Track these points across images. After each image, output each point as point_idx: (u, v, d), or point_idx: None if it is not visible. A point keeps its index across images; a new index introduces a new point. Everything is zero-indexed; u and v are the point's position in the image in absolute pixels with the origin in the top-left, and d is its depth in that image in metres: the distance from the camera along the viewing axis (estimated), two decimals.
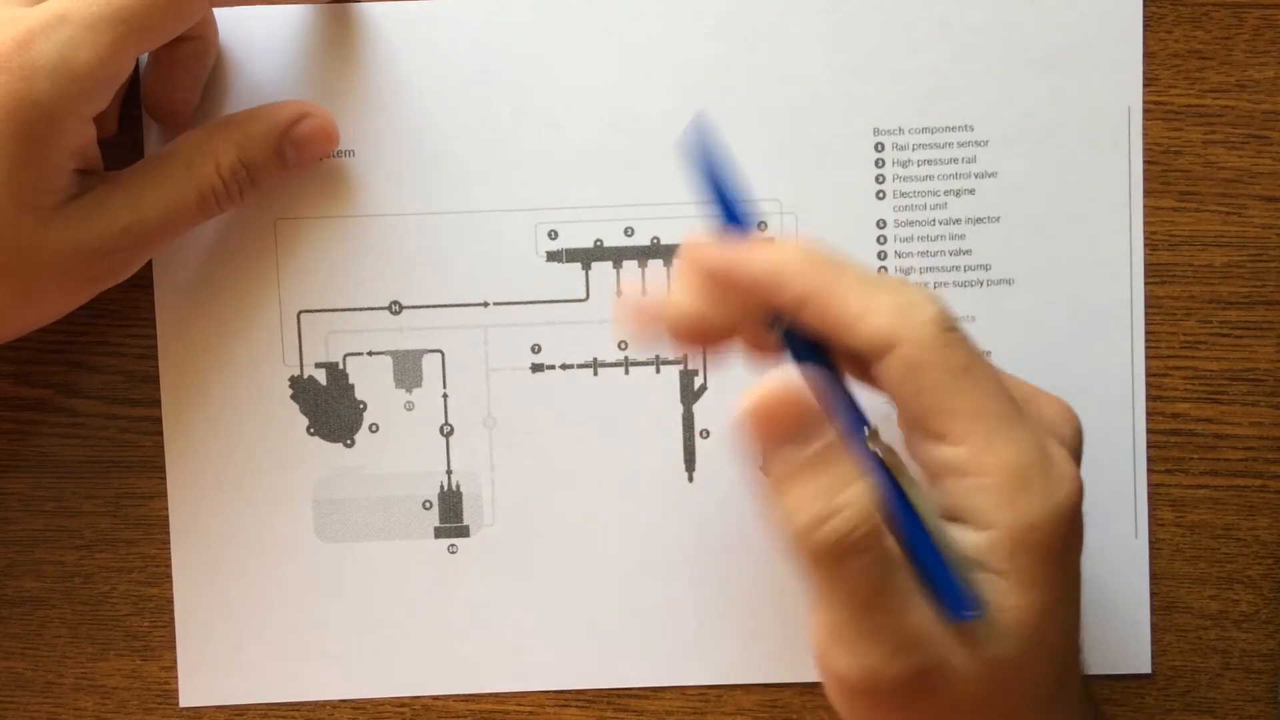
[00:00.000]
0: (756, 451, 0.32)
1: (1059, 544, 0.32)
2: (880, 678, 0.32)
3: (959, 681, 0.32)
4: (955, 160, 0.43)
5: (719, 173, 0.35)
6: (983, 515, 0.32)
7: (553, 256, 0.44)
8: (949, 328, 0.32)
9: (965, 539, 0.32)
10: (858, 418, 0.34)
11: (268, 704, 0.45)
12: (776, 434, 0.32)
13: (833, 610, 0.32)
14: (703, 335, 0.35)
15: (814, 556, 0.31)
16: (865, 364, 0.33)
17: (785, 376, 0.33)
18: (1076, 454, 0.35)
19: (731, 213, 0.35)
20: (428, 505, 0.44)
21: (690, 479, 0.44)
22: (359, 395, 0.44)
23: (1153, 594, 0.44)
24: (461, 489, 0.44)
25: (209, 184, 0.40)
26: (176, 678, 0.45)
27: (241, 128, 0.41)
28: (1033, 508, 0.32)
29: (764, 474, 0.32)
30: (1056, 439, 0.34)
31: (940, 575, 0.32)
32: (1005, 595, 0.32)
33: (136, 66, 0.42)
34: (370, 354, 0.44)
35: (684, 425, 0.44)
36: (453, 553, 0.44)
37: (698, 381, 0.44)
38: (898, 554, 0.32)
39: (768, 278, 0.33)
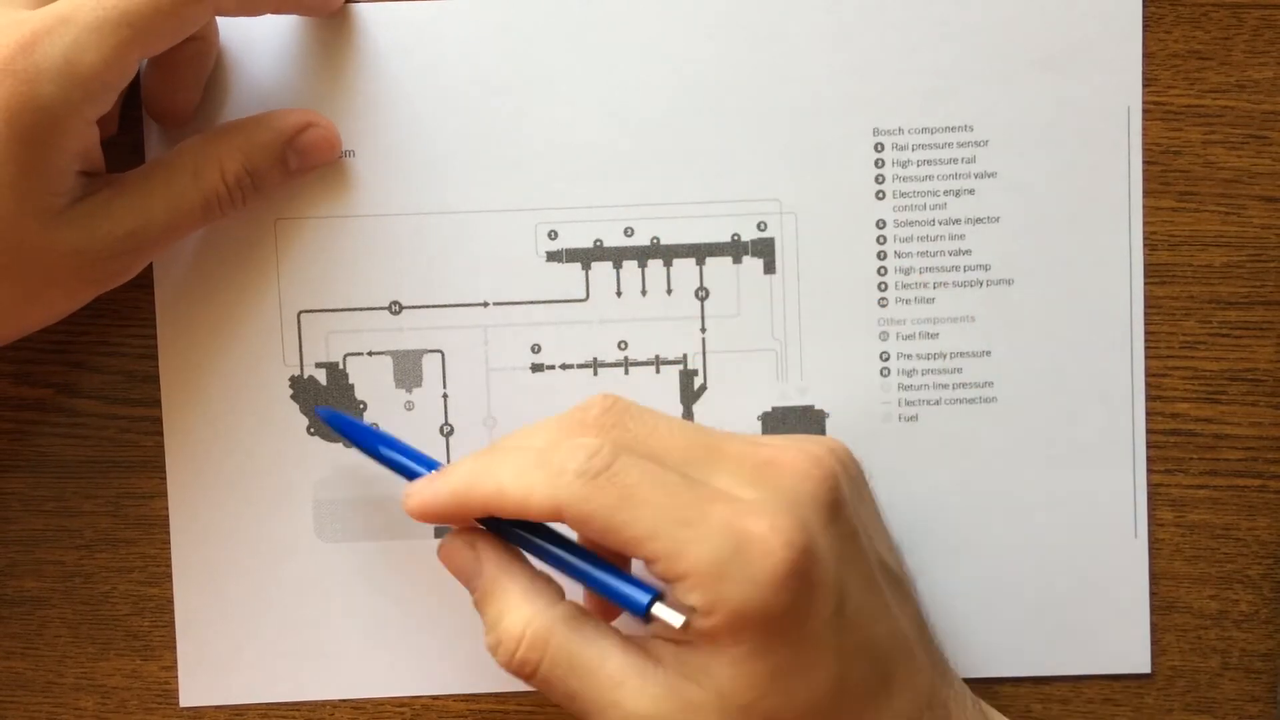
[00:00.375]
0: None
1: (779, 612, 0.33)
2: None
3: None
4: (955, 160, 0.43)
5: (376, 440, 0.41)
6: (704, 607, 0.34)
7: (553, 256, 0.44)
8: (594, 474, 0.34)
9: (703, 625, 0.34)
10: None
11: (268, 704, 0.45)
12: (457, 575, 0.38)
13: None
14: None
15: (509, 672, 0.36)
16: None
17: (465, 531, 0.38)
18: (817, 508, 0.35)
19: (403, 464, 0.40)
20: None
21: None
22: (359, 395, 0.44)
23: (1152, 594, 0.44)
24: None
25: (214, 190, 0.40)
26: (176, 678, 0.45)
27: (247, 135, 0.41)
28: (736, 593, 0.33)
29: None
30: (784, 506, 0.34)
31: (612, 590, 0.36)
32: (736, 664, 0.34)
33: (138, 68, 0.42)
34: (370, 354, 0.44)
35: None
36: None
37: (698, 381, 0.44)
38: (592, 658, 0.35)
39: (455, 504, 0.37)
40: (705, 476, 0.35)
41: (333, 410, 0.42)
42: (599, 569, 0.36)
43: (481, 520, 0.38)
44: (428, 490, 0.37)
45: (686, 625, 0.34)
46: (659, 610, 0.35)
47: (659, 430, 0.36)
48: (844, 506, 0.36)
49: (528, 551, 0.38)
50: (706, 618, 0.34)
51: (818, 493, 0.35)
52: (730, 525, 0.34)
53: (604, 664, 0.35)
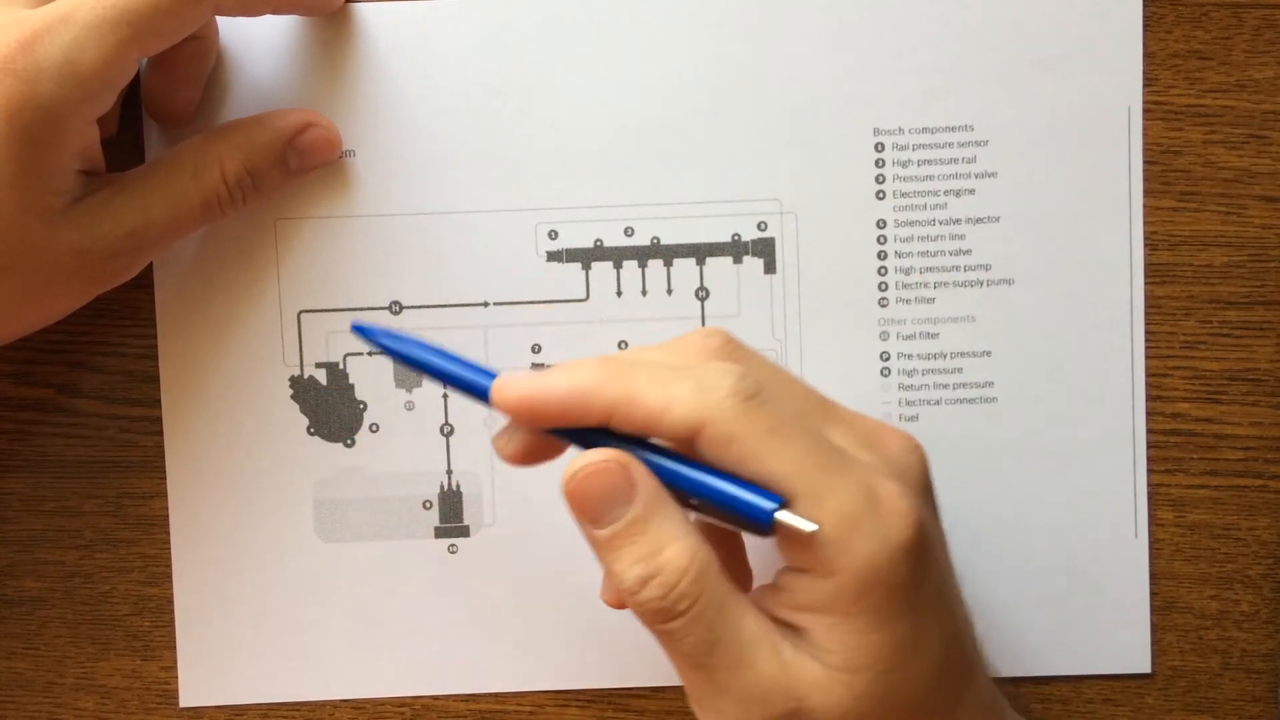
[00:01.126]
0: (583, 523, 0.34)
1: (902, 578, 0.33)
2: None
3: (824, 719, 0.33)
4: (955, 160, 0.43)
5: (432, 356, 0.36)
6: (823, 564, 0.33)
7: (553, 256, 0.44)
8: (748, 395, 0.33)
9: (813, 588, 0.33)
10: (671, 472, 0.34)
11: (268, 704, 0.45)
12: (595, 506, 0.33)
13: (680, 670, 0.34)
14: (536, 458, 0.36)
15: (643, 618, 0.33)
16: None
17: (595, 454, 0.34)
18: (921, 484, 0.35)
19: (467, 381, 0.36)
20: (428, 505, 0.44)
21: None
22: (359, 395, 0.44)
23: (1153, 594, 0.44)
24: (462, 489, 0.44)
25: (214, 190, 0.40)
26: (176, 678, 0.45)
27: (247, 135, 0.41)
28: (867, 549, 0.32)
29: (594, 543, 0.34)
30: (896, 474, 0.34)
31: (734, 498, 0.33)
32: (859, 634, 0.33)
33: (138, 68, 0.42)
34: (371, 354, 0.44)
35: None
36: (453, 553, 0.44)
37: None
38: (736, 608, 0.33)
39: (572, 401, 0.34)
40: (825, 431, 0.34)
41: (364, 325, 0.37)
42: (720, 476, 0.33)
43: (563, 433, 0.35)
44: (535, 382, 0.34)
45: (818, 534, 0.32)
46: (785, 517, 0.32)
47: (780, 375, 0.35)
48: (933, 490, 0.36)
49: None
50: (829, 579, 0.32)
51: (922, 467, 0.35)
52: (866, 483, 0.33)
53: (745, 618, 0.33)
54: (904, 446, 0.36)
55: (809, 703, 0.33)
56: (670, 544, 0.33)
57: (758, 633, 0.33)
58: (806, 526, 0.32)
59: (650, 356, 0.35)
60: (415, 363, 0.36)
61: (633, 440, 0.34)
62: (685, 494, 0.34)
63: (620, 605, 0.35)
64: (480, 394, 0.35)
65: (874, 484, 0.33)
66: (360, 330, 0.37)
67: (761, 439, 0.33)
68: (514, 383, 0.34)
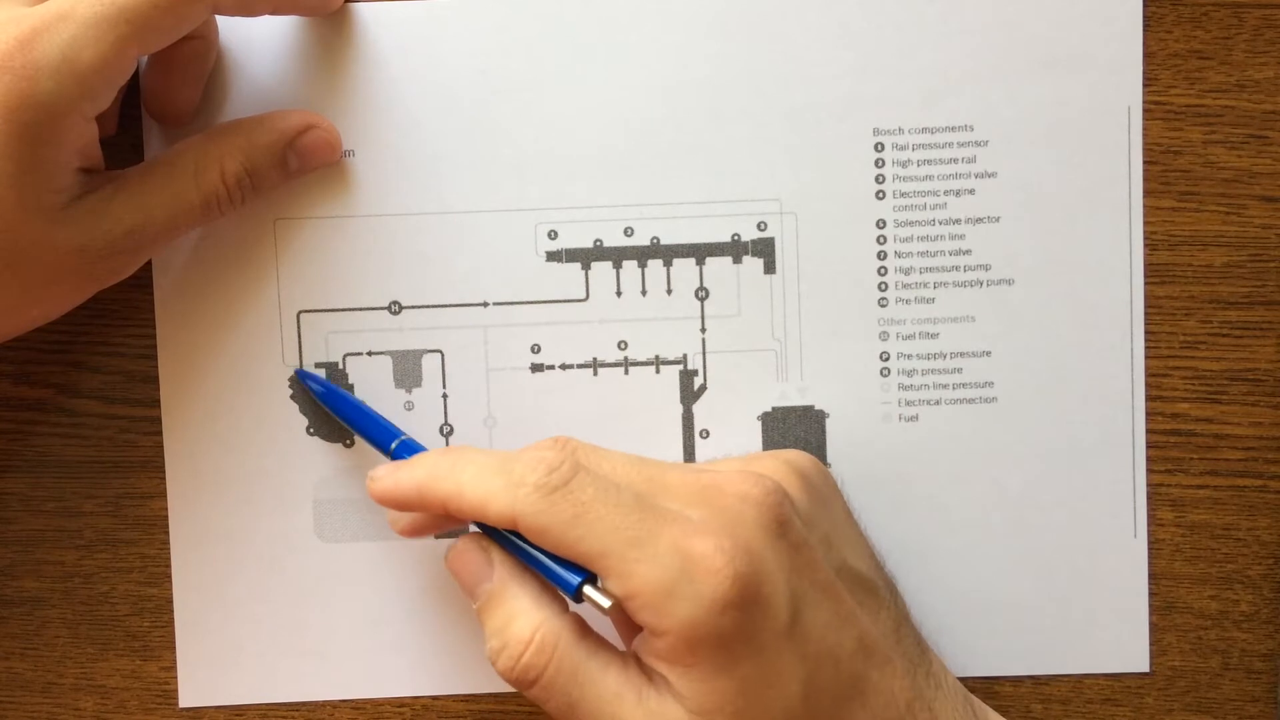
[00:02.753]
0: (465, 595, 0.39)
1: (727, 629, 0.34)
2: None
3: None
4: (955, 160, 0.43)
5: (347, 406, 0.43)
6: (656, 626, 0.35)
7: (552, 256, 0.44)
8: (553, 489, 0.36)
9: (656, 644, 0.35)
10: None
11: (268, 704, 0.45)
12: (465, 581, 0.38)
13: None
14: (426, 532, 0.40)
15: (508, 682, 0.37)
16: None
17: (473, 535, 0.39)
18: (756, 531, 0.36)
19: (373, 431, 0.42)
20: None
21: None
22: (359, 395, 0.44)
23: (1152, 594, 0.44)
24: None
25: (213, 190, 0.40)
26: (176, 678, 0.45)
27: (247, 135, 0.41)
28: (683, 610, 0.34)
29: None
30: (722, 528, 0.35)
31: (547, 570, 0.37)
32: (702, 681, 0.35)
33: (137, 66, 0.42)
34: (370, 354, 0.44)
35: (684, 425, 0.44)
36: None
37: (698, 381, 0.44)
38: (593, 670, 0.36)
39: (417, 495, 0.38)
40: (654, 501, 0.36)
41: (306, 371, 0.44)
42: (537, 551, 0.37)
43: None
44: (391, 478, 0.38)
45: (614, 608, 0.35)
46: (589, 592, 0.36)
47: (611, 457, 0.37)
48: (789, 521, 0.36)
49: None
50: (660, 638, 0.35)
51: (760, 511, 0.36)
52: (677, 545, 0.35)
53: (604, 677, 0.36)
54: (740, 495, 0.36)
55: None
56: (516, 619, 0.37)
57: (618, 689, 0.36)
58: (604, 602, 0.35)
59: (480, 454, 0.38)
60: (338, 414, 0.43)
61: None
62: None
63: None
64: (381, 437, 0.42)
65: (687, 546, 0.35)
66: (301, 375, 0.44)
67: (566, 527, 0.35)
68: (379, 477, 0.39)
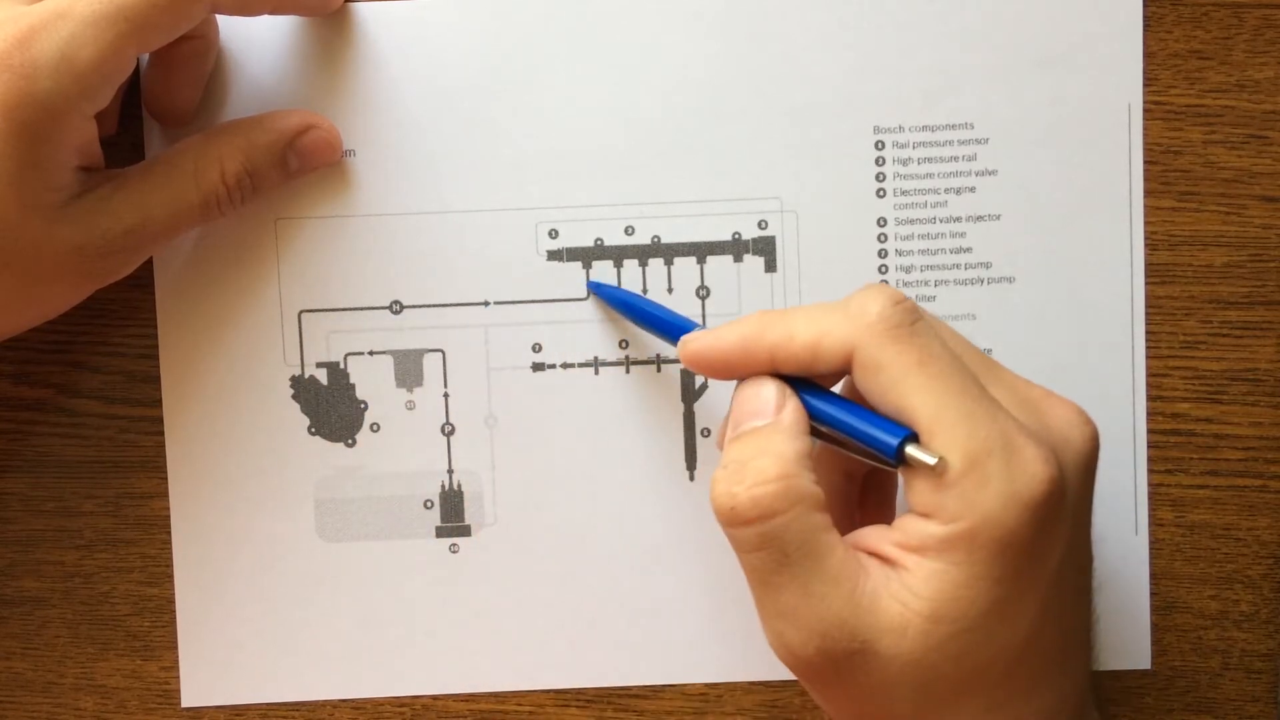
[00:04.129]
0: (730, 422, 0.36)
1: (1017, 540, 0.32)
2: (799, 656, 0.34)
3: (889, 666, 0.33)
4: (956, 158, 0.43)
5: (640, 304, 0.42)
6: (946, 511, 0.32)
7: (553, 255, 0.44)
8: (897, 323, 0.33)
9: (926, 530, 0.33)
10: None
11: (268, 704, 0.45)
12: (745, 411, 0.35)
13: (749, 584, 0.35)
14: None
15: (718, 516, 0.34)
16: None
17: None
18: (1077, 460, 0.34)
19: (670, 325, 0.41)
20: (429, 505, 0.44)
21: (691, 478, 0.44)
22: (360, 395, 0.44)
23: (1153, 593, 0.44)
24: (463, 488, 0.44)
25: (213, 190, 0.40)
26: (177, 678, 0.45)
27: (248, 135, 0.41)
28: (989, 501, 0.32)
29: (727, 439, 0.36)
30: (1047, 440, 0.34)
31: (861, 432, 0.34)
32: (955, 586, 0.32)
33: (137, 66, 0.42)
34: (371, 353, 0.44)
35: (685, 424, 0.44)
36: (454, 552, 0.44)
37: (699, 380, 0.44)
38: (821, 544, 0.33)
39: (740, 349, 0.36)
40: (986, 386, 0.34)
41: (598, 283, 0.43)
42: (853, 409, 0.35)
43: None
44: (709, 336, 0.37)
45: (941, 467, 0.32)
46: (912, 451, 0.33)
47: (945, 325, 0.36)
48: (1094, 471, 0.35)
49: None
50: (952, 521, 0.32)
51: (1083, 445, 0.35)
52: (1008, 435, 0.32)
53: (829, 554, 0.33)
54: (1069, 420, 0.35)
55: (877, 646, 0.33)
56: (769, 457, 0.34)
57: (837, 572, 0.33)
58: (929, 459, 0.32)
59: (802, 306, 0.36)
60: (620, 307, 0.43)
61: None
62: (830, 430, 0.35)
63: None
64: (673, 342, 0.40)
65: (1014, 439, 0.33)
66: (593, 286, 0.43)
67: (907, 369, 0.33)
68: (693, 339, 0.37)
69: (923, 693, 0.33)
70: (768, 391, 0.35)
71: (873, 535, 0.34)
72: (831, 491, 0.37)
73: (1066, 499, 0.33)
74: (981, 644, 0.33)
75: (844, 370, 0.35)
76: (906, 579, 0.33)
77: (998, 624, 0.33)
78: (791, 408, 0.35)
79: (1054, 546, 0.33)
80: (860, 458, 0.35)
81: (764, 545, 0.33)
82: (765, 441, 0.34)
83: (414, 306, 0.44)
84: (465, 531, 0.44)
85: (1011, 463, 0.32)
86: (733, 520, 0.34)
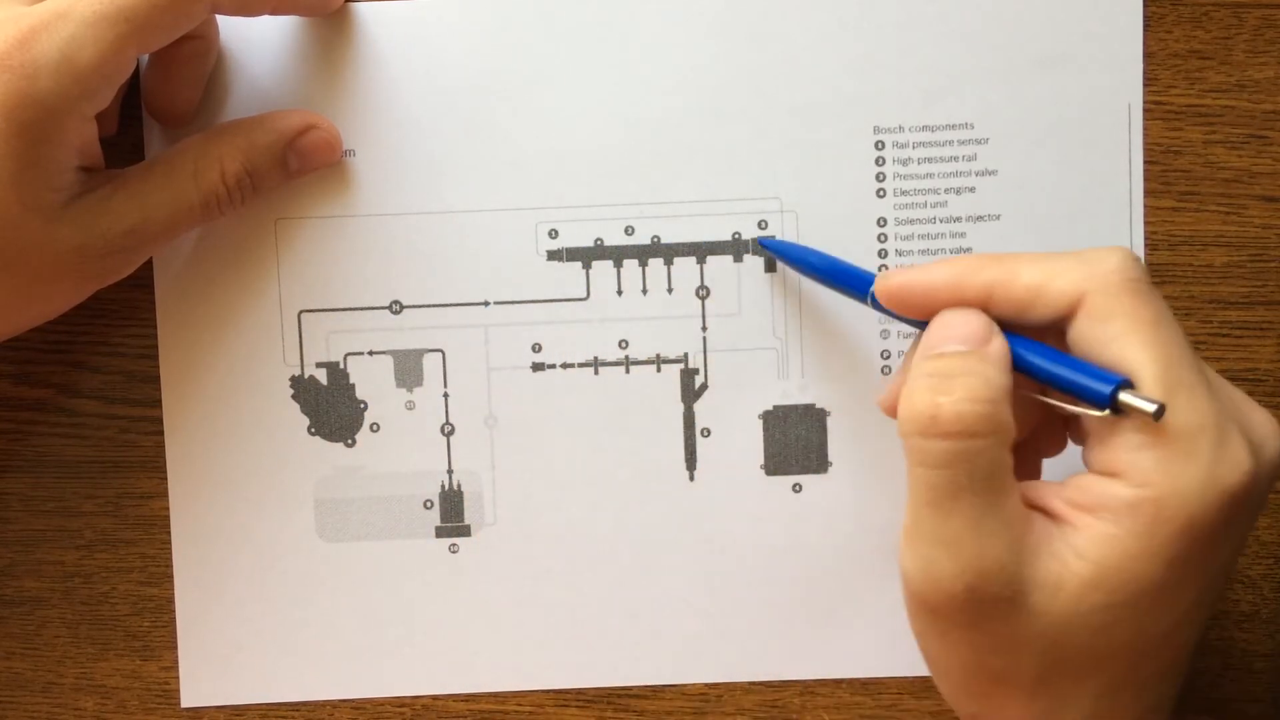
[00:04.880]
0: (925, 344, 0.34)
1: (1205, 525, 0.31)
2: (943, 589, 0.32)
3: (1032, 623, 0.32)
4: (956, 158, 0.43)
5: (818, 258, 0.41)
6: (1140, 473, 0.31)
7: (553, 255, 0.44)
8: (1135, 278, 0.33)
9: (1109, 491, 0.32)
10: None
11: (268, 704, 0.45)
12: (946, 334, 0.34)
13: (912, 503, 0.33)
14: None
15: (910, 424, 0.33)
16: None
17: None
18: (1272, 470, 0.33)
19: (853, 276, 0.40)
20: (429, 505, 0.44)
21: (691, 478, 0.44)
22: (360, 395, 0.44)
23: None
24: (463, 488, 0.44)
25: (213, 190, 0.40)
26: (177, 678, 0.45)
27: (248, 136, 0.41)
28: (1191, 474, 0.31)
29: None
30: (1255, 446, 0.32)
31: (1072, 371, 0.33)
32: (1126, 556, 0.31)
33: (137, 66, 0.42)
34: (371, 353, 0.44)
35: (685, 424, 0.44)
36: (454, 552, 0.44)
37: (698, 380, 0.44)
38: (1003, 484, 0.32)
39: (950, 283, 0.35)
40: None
41: (768, 239, 0.43)
42: (1061, 355, 0.33)
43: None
44: (913, 270, 0.35)
45: (1160, 413, 0.31)
46: (1126, 398, 0.31)
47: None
48: (1273, 485, 0.34)
49: None
50: (1141, 485, 0.31)
51: (1275, 455, 0.33)
52: (1224, 417, 0.32)
53: (1005, 498, 0.32)
54: (1267, 427, 0.33)
55: (1028, 600, 0.32)
56: (978, 380, 0.32)
57: (1011, 514, 0.32)
58: (1148, 406, 0.31)
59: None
60: (800, 264, 0.42)
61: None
62: (1025, 375, 0.34)
63: (891, 410, 0.35)
64: (860, 293, 0.38)
65: (1228, 423, 0.32)
66: (764, 243, 0.43)
67: (1140, 324, 0.32)
68: (894, 274, 0.36)
69: (1052, 657, 0.33)
70: (977, 321, 0.34)
71: (1043, 489, 0.34)
72: None
73: (1254, 499, 0.32)
74: (1128, 622, 0.32)
75: (1057, 319, 0.34)
76: (1072, 538, 0.32)
77: (1152, 607, 0.32)
78: (999, 342, 0.34)
79: (1229, 544, 0.33)
80: (1056, 403, 0.34)
81: (951, 464, 0.32)
82: (974, 364, 0.33)
83: (414, 306, 0.44)
84: (465, 531, 0.44)
85: (1222, 445, 0.31)
86: (929, 430, 0.32)
